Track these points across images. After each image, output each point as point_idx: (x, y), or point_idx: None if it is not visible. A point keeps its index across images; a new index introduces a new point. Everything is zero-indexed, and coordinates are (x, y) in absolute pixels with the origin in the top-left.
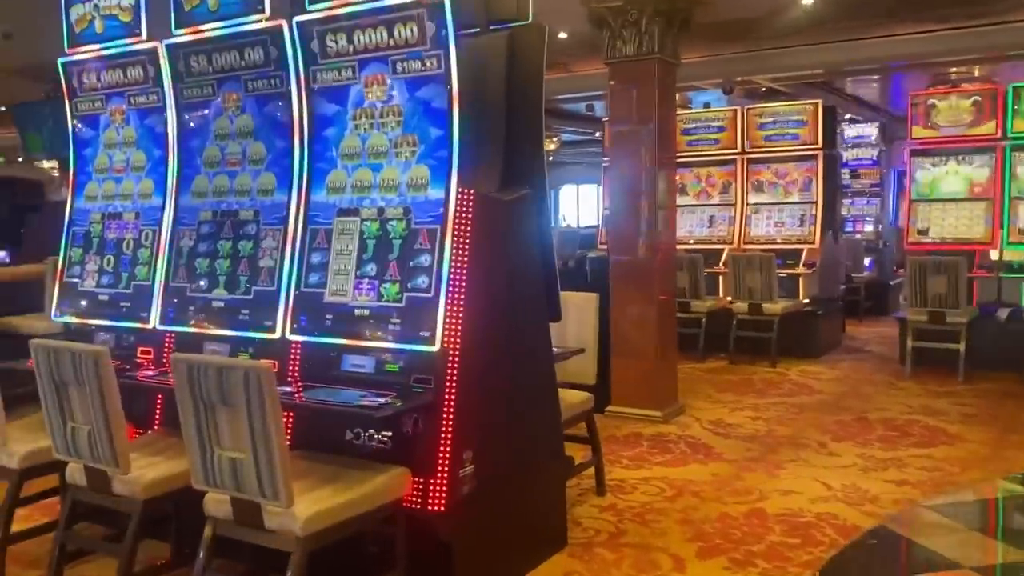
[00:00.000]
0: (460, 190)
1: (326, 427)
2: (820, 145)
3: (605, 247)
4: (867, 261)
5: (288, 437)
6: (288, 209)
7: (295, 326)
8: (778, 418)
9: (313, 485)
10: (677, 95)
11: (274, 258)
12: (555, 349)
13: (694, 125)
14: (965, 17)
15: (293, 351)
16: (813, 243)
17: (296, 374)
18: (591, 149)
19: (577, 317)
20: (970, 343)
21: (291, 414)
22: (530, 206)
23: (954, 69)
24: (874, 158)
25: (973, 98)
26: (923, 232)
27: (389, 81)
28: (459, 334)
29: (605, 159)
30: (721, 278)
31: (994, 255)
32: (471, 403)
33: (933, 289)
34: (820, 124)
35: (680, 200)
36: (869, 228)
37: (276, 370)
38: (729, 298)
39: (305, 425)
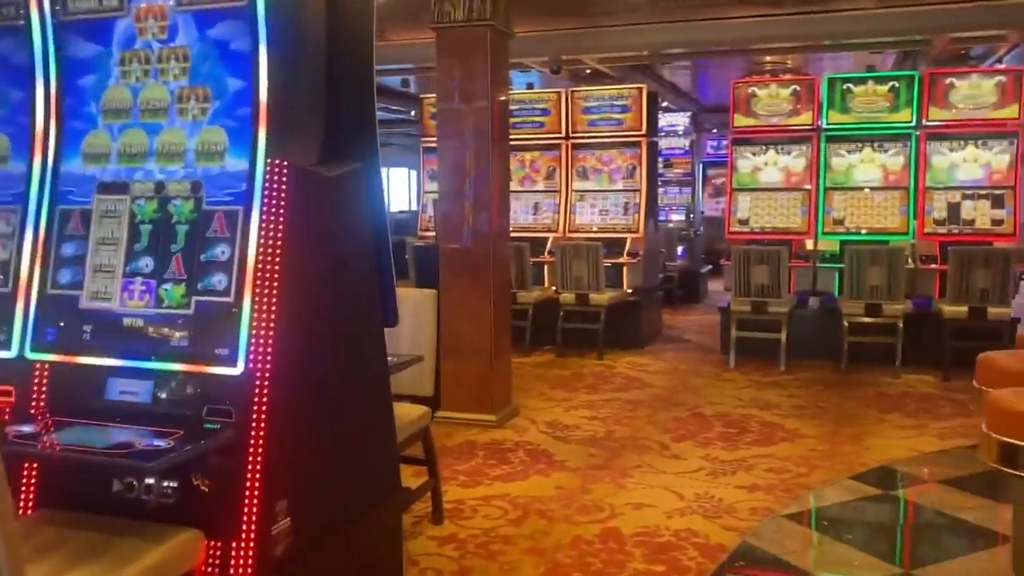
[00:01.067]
0: (270, 160)
1: (86, 478)
2: (644, 132)
3: (429, 234)
4: (679, 249)
5: (30, 497)
6: (28, 183)
7: (39, 341)
8: (615, 417)
9: (61, 566)
10: None
11: (8, 249)
12: (390, 359)
13: (518, 107)
14: (798, 3)
15: (38, 375)
16: (637, 232)
17: (43, 406)
18: (404, 130)
19: (413, 318)
20: (789, 332)
21: (34, 464)
22: (361, 184)
23: (769, 58)
24: (686, 147)
25: (792, 88)
26: (744, 222)
27: (171, 14)
28: (270, 351)
29: (427, 139)
30: (547, 267)
31: (809, 245)
32: (286, 440)
33: (756, 279)
34: (644, 110)
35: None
36: (680, 217)
37: (12, 402)
38: (555, 288)
39: (56, 476)
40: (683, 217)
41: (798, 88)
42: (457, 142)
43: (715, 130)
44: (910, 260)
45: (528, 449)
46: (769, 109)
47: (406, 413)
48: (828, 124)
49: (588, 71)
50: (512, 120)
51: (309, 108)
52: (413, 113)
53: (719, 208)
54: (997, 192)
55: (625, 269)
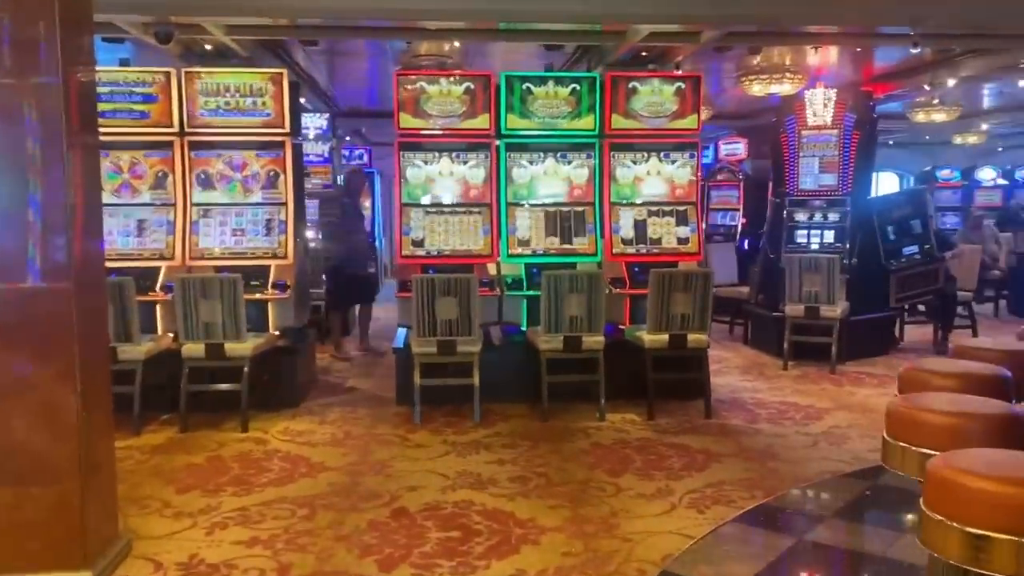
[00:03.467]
0: None
1: None
2: (288, 130)
3: None
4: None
5: None
6: None
7: None
8: (287, 537)
9: None
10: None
11: None
12: None
13: (108, 90)
14: None
15: None
16: (285, 258)
17: None
18: None
19: None
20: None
21: None
22: None
23: (425, 50)
24: (325, 154)
25: (466, 85)
26: (418, 243)
27: None
28: None
29: None
30: (159, 308)
31: (492, 269)
32: None
33: (443, 313)
34: (287, 102)
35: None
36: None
37: None
38: (175, 337)
39: None
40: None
41: (472, 86)
42: (11, 134)
43: (348, 138)
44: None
45: None
46: (441, 109)
47: None
48: (508, 130)
49: (208, 46)
50: (100, 107)
51: None
52: None
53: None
54: (681, 208)
55: (271, 306)
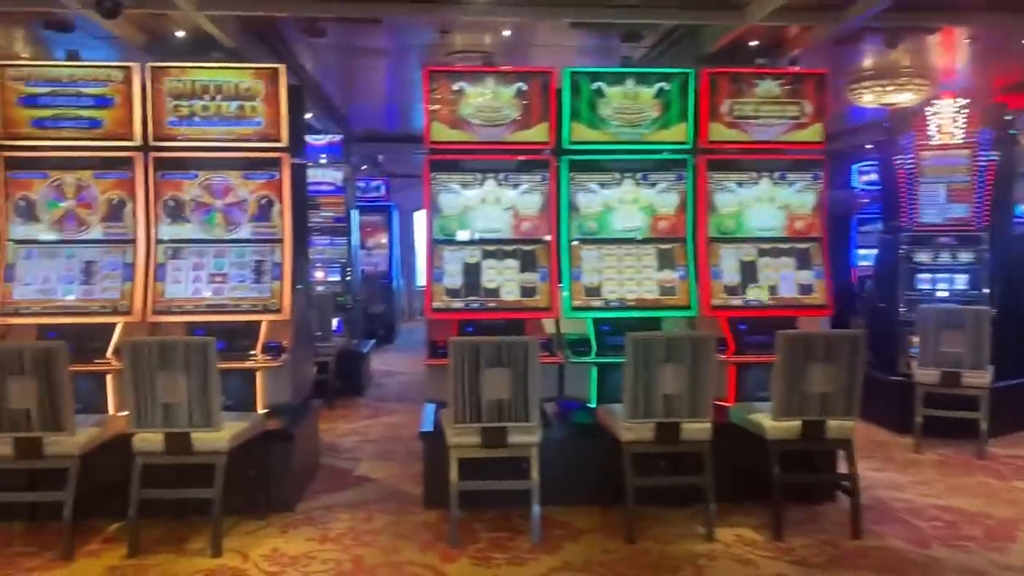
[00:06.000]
0: None
1: None
2: (285, 143)
3: None
4: (335, 322)
5: None
6: None
7: None
8: None
9: None
10: None
11: None
12: None
13: (48, 90)
14: None
15: None
16: (279, 311)
17: None
18: None
19: None
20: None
21: None
22: None
23: (462, 45)
24: (339, 183)
25: (517, 85)
26: (454, 293)
27: None
28: None
29: None
30: (110, 382)
31: (550, 327)
32: None
33: (491, 391)
34: (284, 108)
35: (25, 233)
36: (334, 277)
37: None
38: (130, 424)
39: None
40: (338, 277)
41: (526, 86)
42: None
43: (364, 167)
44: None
45: None
46: (485, 116)
47: None
48: (572, 143)
49: (181, 32)
50: (37, 113)
51: None
52: None
53: (372, 263)
54: (802, 246)
55: (260, 377)
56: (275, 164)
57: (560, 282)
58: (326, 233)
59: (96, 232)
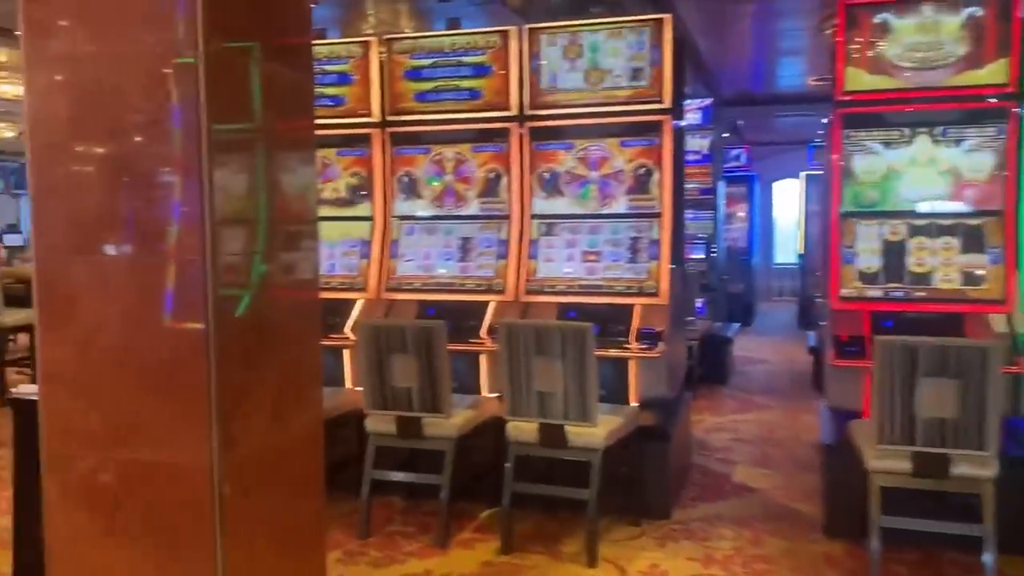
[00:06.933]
0: None
1: None
2: (668, 104)
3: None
4: (698, 303)
5: None
6: None
7: None
8: None
9: None
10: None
11: None
12: None
13: (430, 62)
14: None
15: None
16: (656, 293)
17: None
18: None
19: None
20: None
21: None
22: None
23: None
24: (706, 151)
25: (968, 11)
26: (870, 277)
27: None
28: None
29: None
30: (484, 362)
31: (1000, 324)
32: None
33: (926, 409)
34: (669, 66)
35: (408, 208)
36: (698, 254)
37: None
38: (498, 396)
39: None
40: (702, 254)
41: (980, 11)
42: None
43: (725, 134)
44: None
45: None
46: (919, 57)
47: None
48: None
49: None
50: (421, 86)
51: None
52: None
53: (730, 238)
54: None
55: (633, 368)
56: (655, 129)
57: (1018, 267)
58: (690, 207)
59: (473, 208)
